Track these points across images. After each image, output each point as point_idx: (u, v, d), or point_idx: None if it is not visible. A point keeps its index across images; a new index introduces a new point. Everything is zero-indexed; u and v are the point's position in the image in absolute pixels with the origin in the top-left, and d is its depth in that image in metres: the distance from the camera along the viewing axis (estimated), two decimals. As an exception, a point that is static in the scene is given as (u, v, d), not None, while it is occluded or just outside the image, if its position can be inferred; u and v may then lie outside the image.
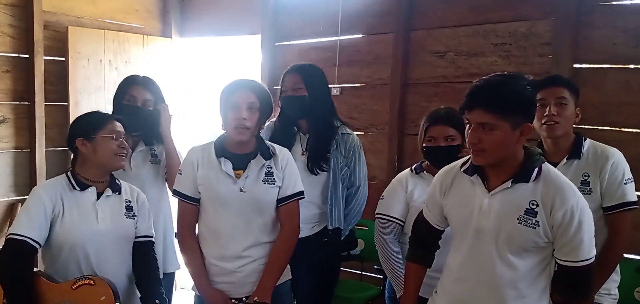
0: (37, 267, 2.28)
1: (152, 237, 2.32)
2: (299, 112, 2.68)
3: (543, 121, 2.28)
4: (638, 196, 2.32)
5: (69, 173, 2.23)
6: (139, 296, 2.25)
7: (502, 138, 1.73)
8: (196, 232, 2.34)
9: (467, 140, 1.82)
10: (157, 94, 2.74)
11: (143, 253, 2.28)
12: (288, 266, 2.36)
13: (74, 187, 2.19)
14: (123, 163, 2.25)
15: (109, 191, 2.23)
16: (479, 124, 1.75)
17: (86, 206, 2.18)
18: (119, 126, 2.24)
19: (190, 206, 2.29)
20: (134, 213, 2.27)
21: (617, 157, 2.26)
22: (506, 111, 1.71)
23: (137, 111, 2.65)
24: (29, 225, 2.09)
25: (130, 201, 2.27)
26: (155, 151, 2.74)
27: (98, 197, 2.20)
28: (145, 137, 2.73)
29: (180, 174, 2.31)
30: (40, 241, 2.11)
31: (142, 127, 2.68)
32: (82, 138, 2.19)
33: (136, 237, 2.28)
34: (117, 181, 2.30)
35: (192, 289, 2.36)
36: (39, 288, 2.09)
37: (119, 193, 2.27)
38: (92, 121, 2.24)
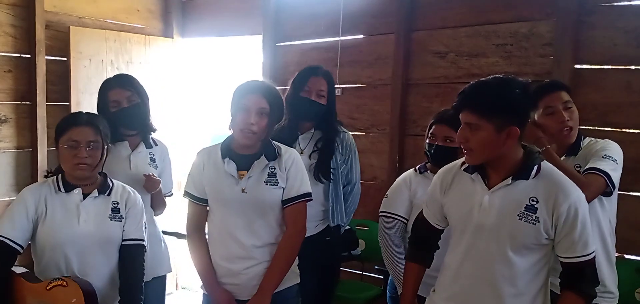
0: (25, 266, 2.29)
1: (140, 240, 2.26)
2: (313, 116, 2.70)
3: (560, 128, 2.26)
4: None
5: (58, 175, 2.23)
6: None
7: (486, 139, 1.77)
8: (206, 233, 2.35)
9: (456, 138, 1.88)
10: (135, 86, 2.72)
11: (128, 256, 2.23)
12: (297, 270, 2.34)
13: (59, 189, 2.19)
14: (83, 174, 2.16)
15: (95, 193, 2.21)
16: (466, 123, 1.81)
17: (70, 207, 2.17)
18: (79, 133, 2.13)
19: (199, 206, 2.29)
20: (120, 216, 2.23)
21: (607, 142, 2.27)
22: (489, 112, 1.76)
23: (129, 112, 2.65)
24: (9, 226, 2.12)
25: (118, 203, 2.23)
26: (154, 155, 2.75)
27: (85, 199, 2.19)
28: (143, 137, 2.74)
29: (189, 175, 2.31)
30: (21, 241, 2.13)
31: (138, 125, 2.70)
32: (55, 141, 2.19)
33: (123, 240, 2.24)
34: (109, 182, 2.27)
35: (201, 288, 2.36)
36: (15, 287, 2.12)
37: (108, 195, 2.24)
38: (59, 125, 2.19)
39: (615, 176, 2.18)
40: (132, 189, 2.35)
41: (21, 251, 2.15)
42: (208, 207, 2.31)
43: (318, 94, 2.67)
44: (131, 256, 2.23)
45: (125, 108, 2.64)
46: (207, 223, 2.34)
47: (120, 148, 2.65)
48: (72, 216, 2.16)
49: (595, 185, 2.12)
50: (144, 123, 2.73)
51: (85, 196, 2.19)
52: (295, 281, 2.35)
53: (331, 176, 2.70)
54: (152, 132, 2.80)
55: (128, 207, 2.26)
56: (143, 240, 2.28)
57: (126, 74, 2.82)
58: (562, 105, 2.28)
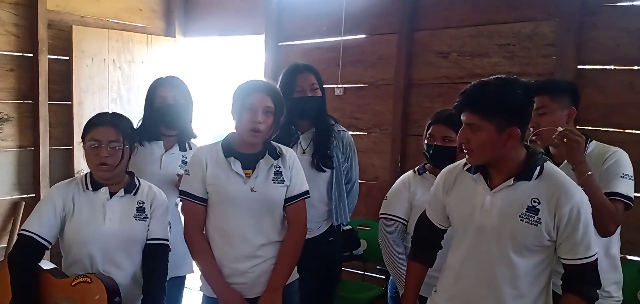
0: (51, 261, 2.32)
1: (165, 240, 2.28)
2: (314, 112, 2.69)
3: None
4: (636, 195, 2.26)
5: (86, 173, 2.26)
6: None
7: (487, 139, 1.77)
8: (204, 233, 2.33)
9: (457, 139, 1.87)
10: (183, 89, 2.77)
11: (151, 256, 2.25)
12: (295, 266, 2.35)
13: (87, 188, 2.21)
14: (105, 174, 2.18)
15: (122, 192, 2.23)
16: (467, 124, 1.80)
17: (96, 206, 2.20)
18: (100, 133, 2.16)
19: (199, 206, 2.25)
20: (145, 215, 2.24)
21: (619, 154, 2.22)
22: (489, 113, 1.75)
23: (171, 109, 2.68)
24: (37, 222, 2.16)
25: (143, 203, 2.25)
26: (186, 158, 2.74)
27: (111, 198, 2.21)
28: (180, 140, 2.75)
29: (187, 174, 2.28)
30: (49, 238, 2.17)
31: (178, 124, 2.72)
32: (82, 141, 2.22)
33: (147, 239, 2.25)
34: (136, 181, 2.29)
35: (200, 289, 2.34)
36: (42, 283, 2.16)
37: (135, 194, 2.25)
38: (85, 126, 2.22)
39: (632, 193, 2.18)
40: (159, 189, 2.35)
41: (49, 246, 2.19)
42: (206, 207, 2.28)
43: (312, 88, 2.67)
44: (155, 256, 2.26)
45: (169, 105, 2.67)
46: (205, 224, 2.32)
47: (154, 147, 2.67)
48: (98, 214, 2.19)
49: (621, 214, 2.12)
50: (184, 126, 2.75)
51: (112, 195, 2.22)
52: (296, 276, 2.38)
53: (332, 165, 2.69)
54: (191, 139, 2.81)
55: (153, 207, 2.27)
56: (167, 240, 2.29)
57: (177, 77, 2.84)
58: (534, 111, 2.23)
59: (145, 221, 2.24)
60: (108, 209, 2.19)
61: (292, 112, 2.63)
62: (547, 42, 3.34)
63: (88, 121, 2.23)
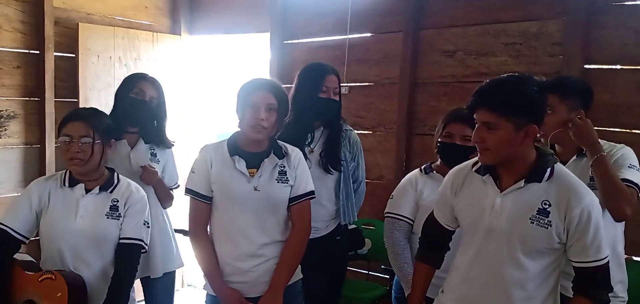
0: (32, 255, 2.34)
1: (137, 240, 2.26)
2: (332, 115, 2.70)
3: None
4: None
5: (66, 170, 2.27)
6: None
7: (504, 138, 1.75)
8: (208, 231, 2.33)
9: (472, 138, 1.84)
10: (161, 94, 2.78)
11: (122, 256, 2.24)
12: (299, 265, 2.35)
13: (64, 184, 2.23)
14: (76, 168, 2.19)
15: (97, 189, 2.23)
16: (483, 123, 1.78)
17: (70, 203, 2.21)
18: (72, 128, 2.17)
19: (203, 204, 2.26)
20: (118, 214, 2.23)
21: (625, 149, 2.23)
22: (508, 111, 1.73)
23: (143, 105, 2.68)
24: (12, 215, 2.20)
25: (117, 201, 2.24)
26: (154, 149, 2.76)
27: (87, 194, 2.22)
28: (143, 134, 2.75)
29: (193, 172, 2.29)
30: (24, 232, 2.20)
31: (143, 121, 2.72)
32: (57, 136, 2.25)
33: (120, 238, 2.24)
34: (114, 178, 2.29)
35: (204, 288, 2.35)
36: (13, 275, 2.19)
37: (111, 192, 2.25)
38: (60, 123, 2.23)
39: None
40: (137, 186, 2.35)
41: (25, 241, 2.21)
42: (211, 205, 2.29)
43: (334, 92, 2.68)
44: (125, 256, 2.24)
45: (143, 100, 2.67)
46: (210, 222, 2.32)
47: (119, 147, 2.66)
48: (70, 211, 2.20)
49: (634, 199, 2.10)
50: (146, 125, 2.75)
51: (88, 192, 2.22)
52: (299, 276, 2.38)
53: (341, 168, 2.70)
54: (166, 146, 2.82)
55: (128, 205, 2.26)
56: (141, 240, 2.27)
57: (159, 82, 2.83)
58: None
59: (118, 219, 2.24)
60: (81, 206, 2.20)
61: (315, 111, 2.64)
62: (554, 41, 3.32)
63: (63, 117, 2.24)
